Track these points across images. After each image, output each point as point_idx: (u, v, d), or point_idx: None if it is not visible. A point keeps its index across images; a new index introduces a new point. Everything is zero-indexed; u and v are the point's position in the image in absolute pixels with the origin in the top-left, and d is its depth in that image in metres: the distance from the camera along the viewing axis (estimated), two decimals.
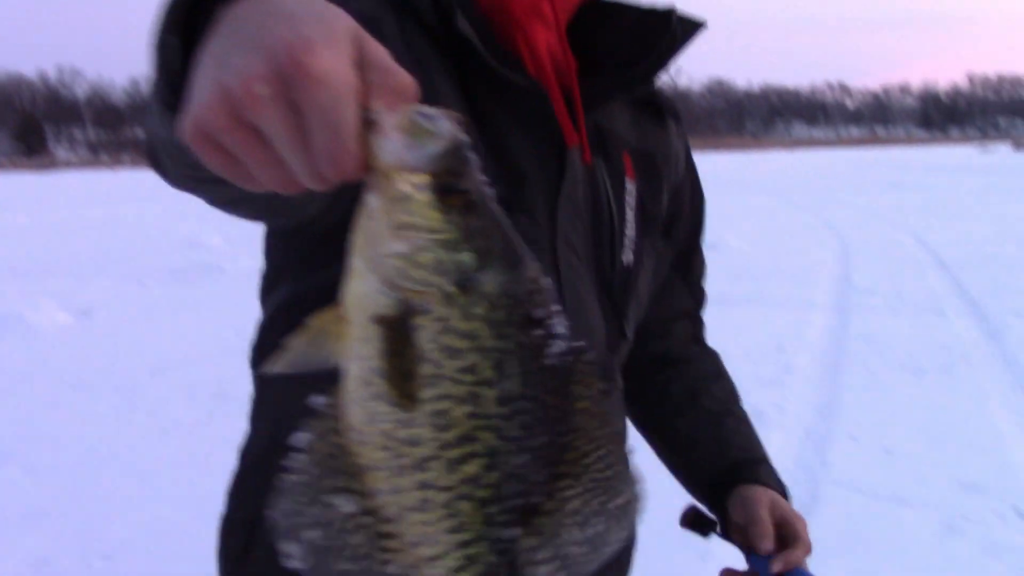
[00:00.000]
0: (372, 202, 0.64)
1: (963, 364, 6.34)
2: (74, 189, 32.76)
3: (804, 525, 1.36)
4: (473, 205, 0.65)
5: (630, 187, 1.30)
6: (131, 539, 3.90)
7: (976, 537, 3.74)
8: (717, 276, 8.59)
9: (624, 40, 1.27)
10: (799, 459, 4.58)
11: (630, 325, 1.34)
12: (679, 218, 1.46)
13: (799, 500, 4.11)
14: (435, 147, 0.63)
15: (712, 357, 1.60)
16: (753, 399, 5.41)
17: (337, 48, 0.59)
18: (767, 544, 1.31)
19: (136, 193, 30.68)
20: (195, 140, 0.60)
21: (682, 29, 1.25)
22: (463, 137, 0.64)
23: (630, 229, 1.30)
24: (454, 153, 0.64)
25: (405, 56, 1.04)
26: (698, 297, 1.59)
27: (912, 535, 3.77)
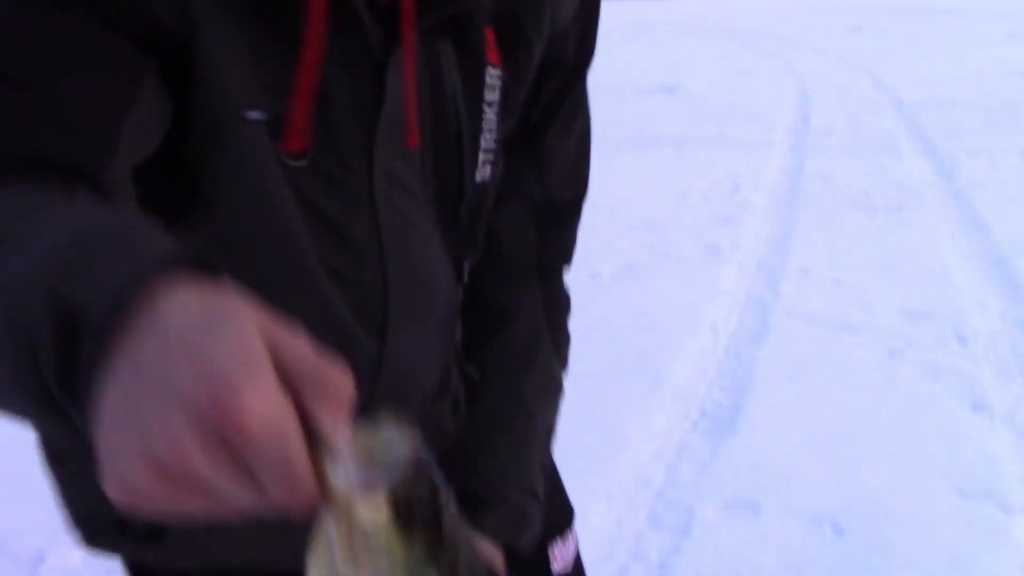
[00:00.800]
0: (329, 529, 0.57)
1: (915, 201, 6.44)
2: None
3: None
4: (440, 526, 0.60)
5: (493, 78, 0.97)
6: None
7: (918, 361, 3.89)
8: (676, 119, 8.59)
9: None
10: (751, 291, 4.69)
11: (476, 255, 1.09)
12: (549, 74, 1.06)
13: (750, 329, 4.24)
14: (393, 468, 0.56)
15: (544, 323, 1.19)
16: (709, 236, 5.52)
17: (262, 379, 0.49)
18: None
19: None
20: (127, 502, 0.52)
21: None
22: (421, 452, 0.57)
23: (488, 139, 0.99)
24: (414, 473, 0.57)
25: None
26: (553, 182, 1.14)
27: (858, 360, 3.91)
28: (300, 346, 0.52)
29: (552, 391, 1.21)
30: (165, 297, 0.52)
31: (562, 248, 1.21)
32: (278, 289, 0.73)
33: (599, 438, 3.29)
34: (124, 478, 0.50)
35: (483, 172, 0.99)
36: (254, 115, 0.84)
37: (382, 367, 1.00)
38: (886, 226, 5.84)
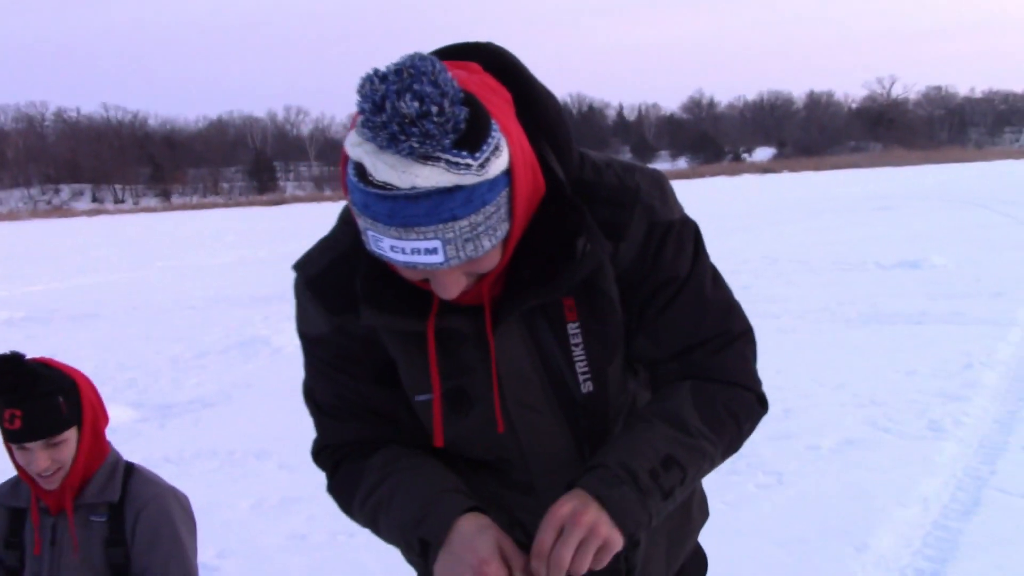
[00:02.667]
0: None
1: None
2: (304, 221, 35.27)
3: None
4: None
5: (574, 329, 1.46)
6: None
7: None
8: (916, 295, 8.83)
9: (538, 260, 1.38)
10: (968, 467, 4.83)
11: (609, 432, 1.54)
12: (635, 290, 1.49)
13: (962, 503, 4.39)
14: None
15: (688, 396, 1.47)
16: (933, 413, 5.71)
17: (492, 561, 1.28)
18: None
19: None
20: None
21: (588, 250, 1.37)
22: None
23: (581, 365, 1.47)
24: None
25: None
26: (672, 346, 1.51)
27: None
28: (511, 546, 1.31)
29: (683, 434, 1.42)
30: (460, 526, 1.33)
31: (721, 369, 1.51)
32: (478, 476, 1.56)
33: None
34: None
35: (586, 386, 1.49)
36: (420, 398, 1.50)
37: (535, 487, 1.59)
38: None
